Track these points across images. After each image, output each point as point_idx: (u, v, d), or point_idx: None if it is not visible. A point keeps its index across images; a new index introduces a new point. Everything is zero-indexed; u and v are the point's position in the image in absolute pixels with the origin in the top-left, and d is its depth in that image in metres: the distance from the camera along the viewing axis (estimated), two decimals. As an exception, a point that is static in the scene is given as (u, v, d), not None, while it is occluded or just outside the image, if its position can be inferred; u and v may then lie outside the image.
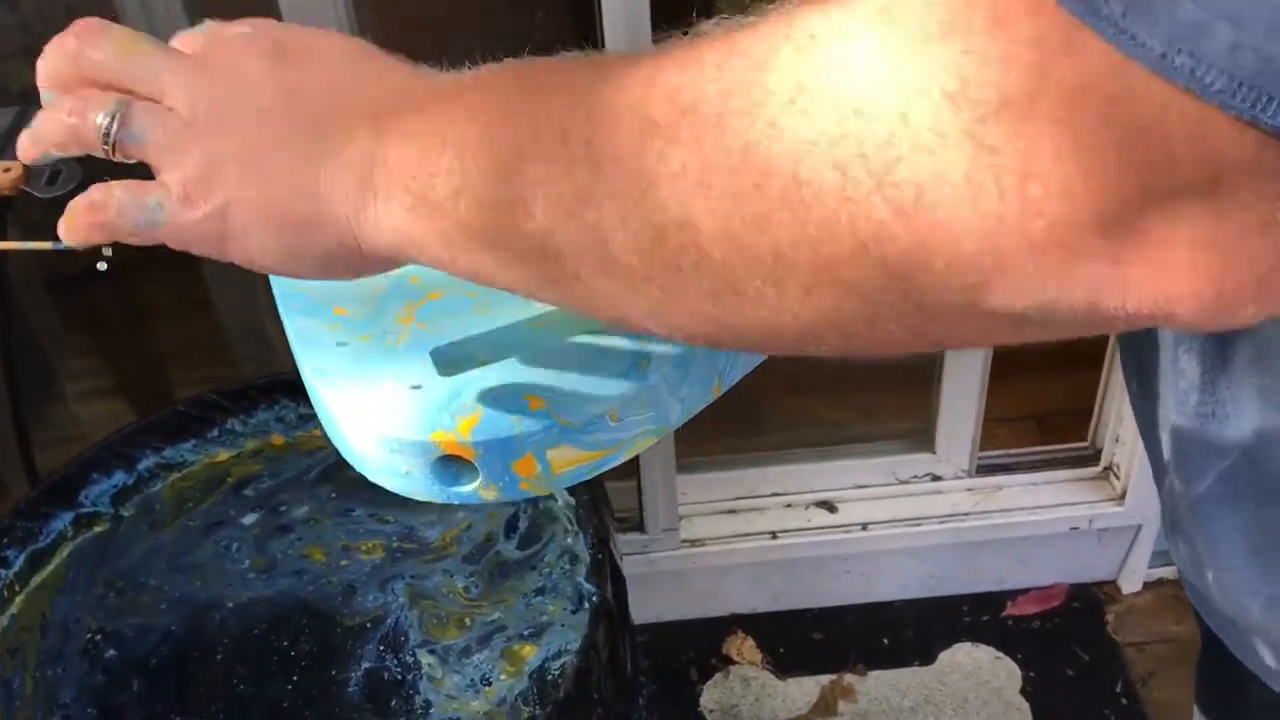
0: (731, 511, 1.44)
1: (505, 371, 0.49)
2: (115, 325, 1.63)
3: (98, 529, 0.96)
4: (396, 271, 0.50)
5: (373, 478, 0.49)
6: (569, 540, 0.92)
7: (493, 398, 0.47)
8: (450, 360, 0.50)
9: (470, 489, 0.47)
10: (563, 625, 0.87)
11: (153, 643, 0.88)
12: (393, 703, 0.83)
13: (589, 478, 0.48)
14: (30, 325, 1.48)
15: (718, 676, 1.45)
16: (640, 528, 1.39)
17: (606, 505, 0.91)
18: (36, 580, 0.92)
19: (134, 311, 1.63)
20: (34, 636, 0.89)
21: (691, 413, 0.51)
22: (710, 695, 1.43)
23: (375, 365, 0.50)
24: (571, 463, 0.47)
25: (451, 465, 0.47)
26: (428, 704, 0.83)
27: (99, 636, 0.88)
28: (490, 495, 0.47)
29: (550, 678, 0.83)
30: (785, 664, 1.45)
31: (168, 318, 1.67)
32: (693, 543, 1.41)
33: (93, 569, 0.93)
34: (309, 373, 0.51)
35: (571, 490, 0.91)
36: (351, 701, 0.84)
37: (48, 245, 0.84)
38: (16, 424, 1.07)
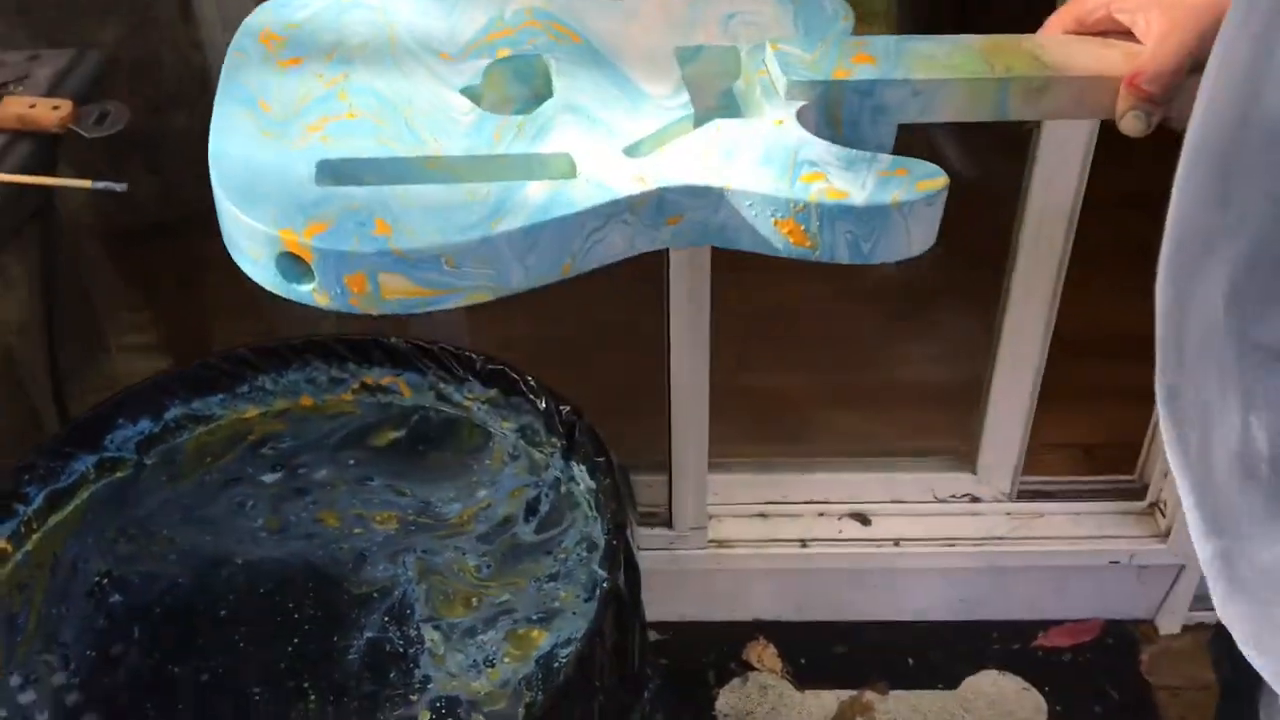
0: (762, 515, 1.41)
1: (370, 195, 0.53)
2: (167, 283, 1.63)
3: (119, 474, 0.96)
4: (331, 83, 0.59)
5: (235, 257, 0.54)
6: (589, 528, 0.90)
7: (347, 214, 0.51)
8: (332, 174, 0.54)
9: (306, 289, 0.52)
10: (574, 614, 0.85)
11: (158, 592, 0.87)
12: (392, 675, 0.82)
13: (419, 311, 0.52)
14: (82, 279, 1.49)
15: (735, 681, 1.42)
16: (668, 523, 1.37)
17: (629, 492, 0.89)
18: (54, 520, 0.92)
19: (187, 270, 1.64)
20: (44, 574, 0.89)
21: (535, 283, 0.54)
22: (726, 699, 1.40)
23: (266, 158, 0.55)
24: (401, 292, 0.51)
25: (296, 264, 0.51)
26: (427, 679, 0.81)
27: (106, 580, 0.88)
28: (324, 301, 0.52)
29: (557, 665, 0.81)
30: (805, 675, 1.42)
31: (219, 278, 1.67)
32: (720, 543, 1.39)
33: (109, 513, 0.93)
34: (211, 150, 0.55)
35: (592, 473, 0.89)
36: (351, 670, 0.82)
37: (86, 183, 0.84)
38: (52, 370, 1.07)
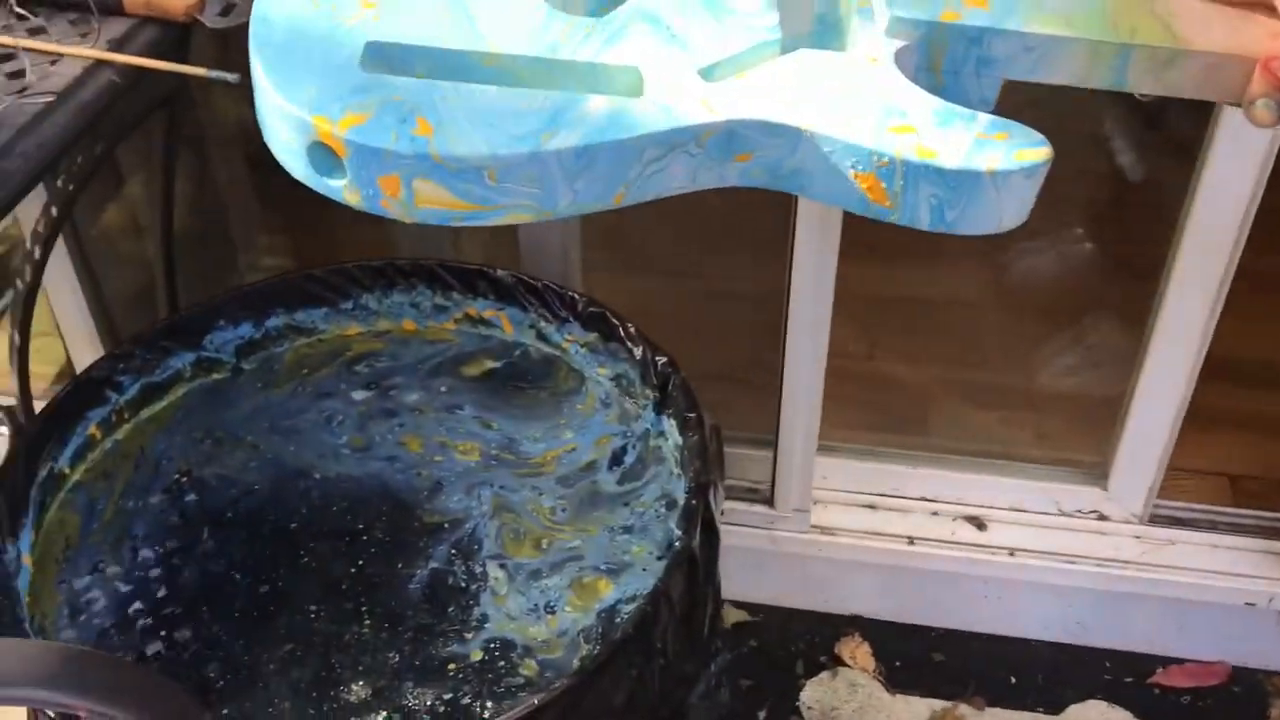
0: (870, 506, 1.35)
1: (418, 89, 0.47)
2: (304, 209, 1.64)
3: (216, 376, 0.95)
4: None
5: (266, 138, 0.50)
6: (671, 485, 0.86)
7: (388, 107, 0.46)
8: (379, 58, 0.49)
9: (338, 185, 0.47)
10: (644, 570, 0.81)
11: (233, 497, 0.86)
12: (450, 609, 0.79)
13: (455, 225, 0.47)
14: (221, 200, 1.50)
15: (824, 675, 1.36)
16: (769, 502, 1.32)
17: (718, 453, 0.85)
18: (147, 413, 0.92)
19: (325, 204, 1.64)
20: (129, 466, 0.89)
21: (583, 209, 0.48)
22: (811, 693, 1.35)
23: (313, 33, 0.50)
24: (437, 202, 0.47)
25: (329, 156, 0.47)
26: (484, 618, 0.78)
27: (185, 480, 0.87)
28: (354, 200, 0.47)
29: (619, 620, 0.77)
30: (899, 679, 1.36)
31: (357, 216, 1.67)
32: (822, 529, 1.33)
33: (201, 414, 0.93)
34: (254, 12, 0.51)
35: (681, 429, 0.85)
36: (410, 599, 0.80)
37: (201, 71, 0.83)
38: (168, 267, 1.08)
